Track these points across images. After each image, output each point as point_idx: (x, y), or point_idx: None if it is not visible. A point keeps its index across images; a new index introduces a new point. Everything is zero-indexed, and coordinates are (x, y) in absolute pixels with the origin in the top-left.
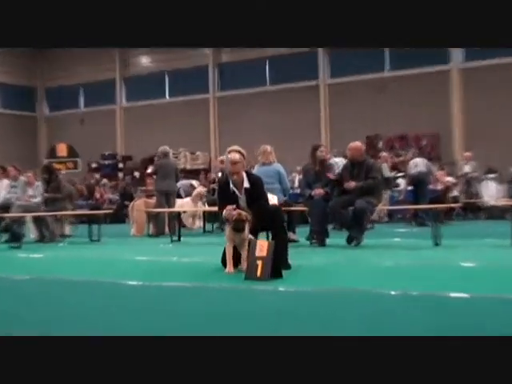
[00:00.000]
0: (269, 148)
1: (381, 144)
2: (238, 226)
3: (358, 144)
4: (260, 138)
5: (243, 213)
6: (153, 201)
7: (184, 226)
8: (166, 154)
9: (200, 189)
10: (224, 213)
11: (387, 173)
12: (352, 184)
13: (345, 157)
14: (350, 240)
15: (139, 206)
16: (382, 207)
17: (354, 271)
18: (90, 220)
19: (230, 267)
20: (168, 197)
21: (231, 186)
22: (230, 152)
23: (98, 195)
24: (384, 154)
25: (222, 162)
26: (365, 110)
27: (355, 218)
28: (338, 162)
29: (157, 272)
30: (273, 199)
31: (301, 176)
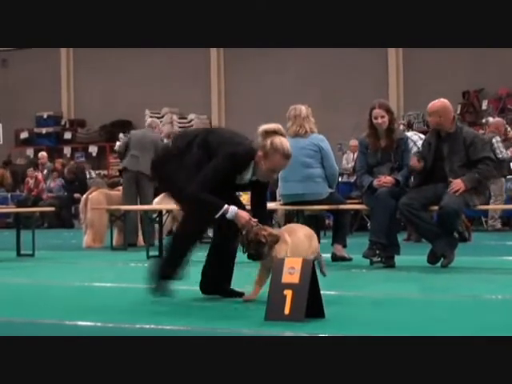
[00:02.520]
0: (304, 110)
1: (486, 104)
2: (254, 252)
3: (442, 104)
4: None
5: (264, 230)
6: (118, 193)
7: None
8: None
9: None
10: (240, 220)
11: (501, 151)
12: (458, 184)
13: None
14: (433, 258)
15: (97, 201)
16: (494, 206)
17: (444, 312)
18: (17, 223)
19: (253, 291)
20: (140, 184)
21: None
22: (275, 134)
23: (30, 183)
24: (492, 120)
25: None
26: (461, 52)
27: (442, 223)
28: (416, 141)
29: (127, 307)
30: None
31: (356, 155)
